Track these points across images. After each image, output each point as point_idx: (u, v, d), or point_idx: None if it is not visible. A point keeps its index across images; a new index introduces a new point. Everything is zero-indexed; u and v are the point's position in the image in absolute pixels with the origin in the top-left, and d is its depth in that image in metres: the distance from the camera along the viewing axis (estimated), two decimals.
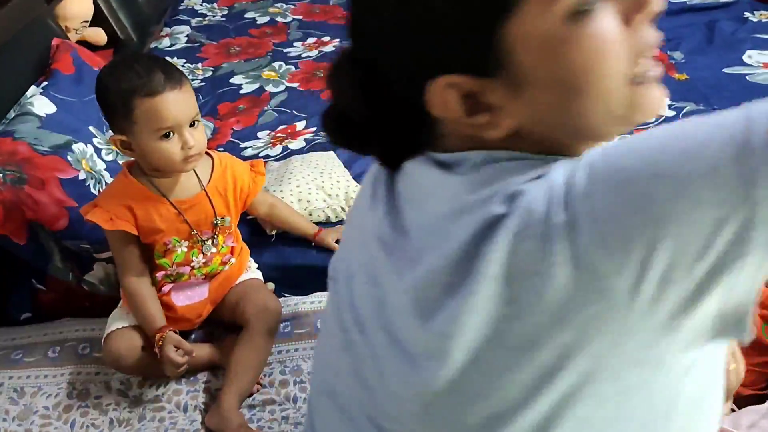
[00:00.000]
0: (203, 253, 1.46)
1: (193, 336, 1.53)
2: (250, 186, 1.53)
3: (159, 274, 1.45)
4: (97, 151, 1.76)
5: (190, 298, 1.47)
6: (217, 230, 1.47)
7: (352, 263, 0.74)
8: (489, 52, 0.55)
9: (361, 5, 0.62)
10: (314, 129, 2.14)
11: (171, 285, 1.47)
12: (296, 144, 2.07)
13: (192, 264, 1.46)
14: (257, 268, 1.62)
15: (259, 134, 2.16)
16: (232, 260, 1.53)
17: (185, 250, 1.44)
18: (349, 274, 0.74)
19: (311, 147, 2.04)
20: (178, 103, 1.30)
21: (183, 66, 2.59)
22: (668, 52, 2.35)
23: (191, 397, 1.43)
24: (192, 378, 1.46)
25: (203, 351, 1.46)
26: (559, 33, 0.53)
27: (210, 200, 1.45)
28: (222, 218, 1.47)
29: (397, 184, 0.68)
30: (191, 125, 1.34)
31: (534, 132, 0.60)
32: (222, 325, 1.55)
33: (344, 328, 0.72)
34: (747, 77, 2.15)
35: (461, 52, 0.57)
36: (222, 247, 1.49)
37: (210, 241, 1.46)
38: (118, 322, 1.46)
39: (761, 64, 2.21)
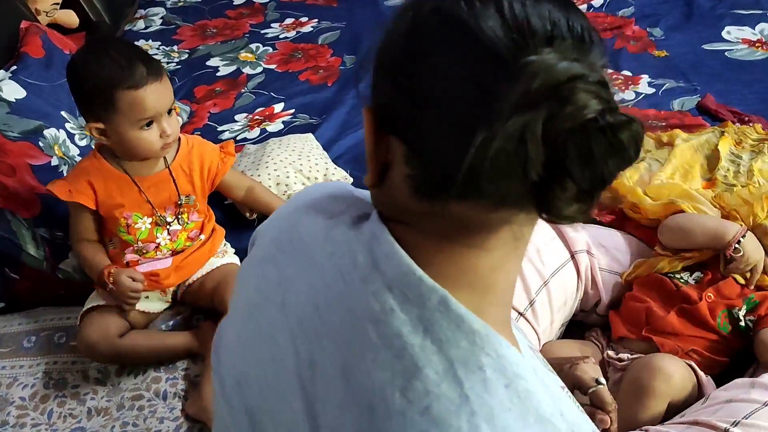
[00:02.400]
0: (168, 230, 1.47)
1: (171, 323, 1.51)
2: (219, 166, 1.53)
3: (127, 251, 1.45)
4: (70, 136, 1.73)
5: (153, 266, 1.47)
6: (181, 209, 1.47)
7: None
8: None
9: None
10: (292, 111, 2.12)
11: (138, 258, 1.47)
12: (274, 126, 2.05)
13: (157, 241, 1.46)
14: (234, 254, 1.60)
15: (237, 117, 2.13)
16: (201, 236, 1.52)
17: (148, 227, 1.45)
18: None
19: (289, 129, 2.02)
20: (159, 95, 1.33)
21: (158, 49, 2.55)
22: (647, 29, 2.34)
23: (170, 385, 1.41)
24: (171, 366, 1.44)
25: (181, 339, 1.45)
26: None
27: (173, 179, 1.45)
28: (186, 197, 1.47)
29: None
30: (167, 113, 1.36)
31: None
32: (200, 312, 1.53)
33: None
34: (726, 53, 2.14)
35: None
36: (187, 223, 1.49)
37: (175, 221, 1.47)
38: (93, 302, 1.45)
39: (740, 40, 2.21)
